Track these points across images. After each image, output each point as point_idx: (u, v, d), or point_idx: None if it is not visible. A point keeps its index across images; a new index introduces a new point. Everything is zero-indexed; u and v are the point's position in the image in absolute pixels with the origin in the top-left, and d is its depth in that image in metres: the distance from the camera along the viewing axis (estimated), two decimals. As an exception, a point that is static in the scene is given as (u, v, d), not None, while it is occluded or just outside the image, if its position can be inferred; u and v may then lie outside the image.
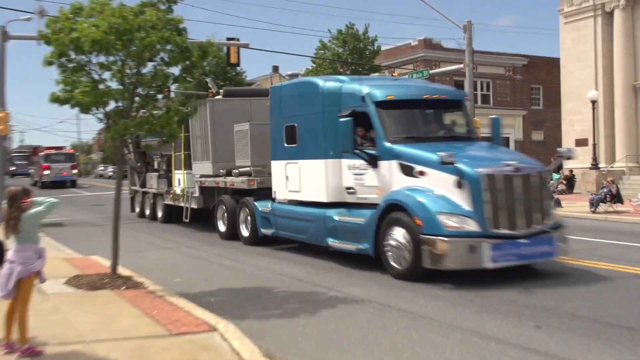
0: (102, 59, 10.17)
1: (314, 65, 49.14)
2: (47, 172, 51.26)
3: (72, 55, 10.04)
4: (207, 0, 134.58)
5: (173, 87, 40.45)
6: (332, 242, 12.85)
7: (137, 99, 10.64)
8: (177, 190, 20.81)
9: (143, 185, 23.97)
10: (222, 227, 17.36)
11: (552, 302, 9.29)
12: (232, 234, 16.69)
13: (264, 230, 15.32)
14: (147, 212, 23.60)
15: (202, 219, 20.20)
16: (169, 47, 10.17)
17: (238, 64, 30.72)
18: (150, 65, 10.53)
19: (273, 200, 15.00)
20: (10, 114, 22.83)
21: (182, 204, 20.19)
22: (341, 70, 47.56)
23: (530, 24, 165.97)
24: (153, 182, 22.91)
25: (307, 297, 10.13)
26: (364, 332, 8.06)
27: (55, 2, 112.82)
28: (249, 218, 15.94)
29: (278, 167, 14.65)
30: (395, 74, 40.14)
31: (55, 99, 10.16)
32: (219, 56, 54.81)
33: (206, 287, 11.10)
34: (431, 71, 38.31)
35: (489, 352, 7.14)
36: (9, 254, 6.87)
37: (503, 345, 7.38)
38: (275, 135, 14.64)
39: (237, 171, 16.64)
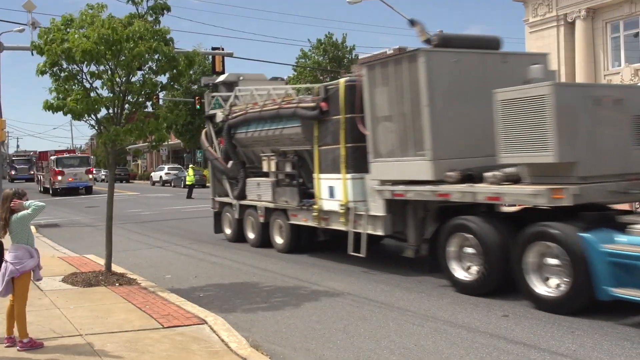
0: (93, 68, 10.26)
1: (295, 73, 49.28)
2: (60, 177, 42.56)
3: (64, 64, 10.07)
4: (192, 12, 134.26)
5: (161, 95, 40.42)
6: None
7: (127, 106, 10.71)
8: (328, 205, 12.41)
9: (242, 195, 15.57)
10: (463, 274, 9.63)
11: (519, 293, 9.37)
12: (495, 286, 9.26)
13: (617, 292, 7.68)
14: (251, 235, 15.53)
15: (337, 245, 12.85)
16: (156, 56, 10.18)
17: (223, 72, 30.59)
18: (139, 74, 10.62)
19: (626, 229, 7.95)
20: (5, 121, 22.64)
21: (341, 228, 12.20)
22: (321, 77, 47.73)
23: (497, 34, 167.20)
24: (264, 192, 14.54)
25: (291, 291, 10.18)
26: (344, 322, 8.14)
27: (47, 14, 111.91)
28: (551, 262, 8.42)
29: None
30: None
31: (49, 107, 10.19)
32: (205, 65, 54.78)
33: (195, 282, 11.12)
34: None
35: (461, 339, 7.25)
36: (5, 254, 6.88)
37: (473, 333, 7.49)
38: None
39: (498, 174, 9.25)
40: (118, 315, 8.20)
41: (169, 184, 54.29)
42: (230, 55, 29.33)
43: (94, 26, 9.78)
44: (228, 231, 16.66)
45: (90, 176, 44.56)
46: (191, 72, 48.56)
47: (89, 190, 43.98)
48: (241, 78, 16.46)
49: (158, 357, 6.49)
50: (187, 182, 37.60)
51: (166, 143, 53.84)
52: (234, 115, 15.28)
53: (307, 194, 13.24)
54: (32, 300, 7.43)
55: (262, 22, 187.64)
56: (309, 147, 13.05)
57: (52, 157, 44.67)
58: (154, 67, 10.42)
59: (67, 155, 48.18)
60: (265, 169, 14.59)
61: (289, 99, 13.59)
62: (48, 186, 44.55)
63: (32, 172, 73.54)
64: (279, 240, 14.39)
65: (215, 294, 10.17)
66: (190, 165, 41.93)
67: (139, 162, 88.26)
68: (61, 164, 43.17)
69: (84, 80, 10.32)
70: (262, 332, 7.73)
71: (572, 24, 34.18)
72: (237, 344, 6.89)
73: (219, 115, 16.11)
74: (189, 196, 35.79)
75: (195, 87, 58.20)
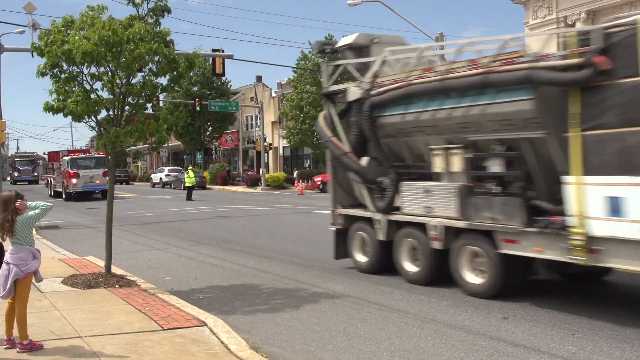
0: (93, 69, 10.28)
1: (296, 75, 49.35)
2: (75, 180, 37.46)
3: (65, 66, 10.10)
4: (192, 14, 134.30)
5: (161, 97, 40.50)
6: None
7: (127, 107, 10.72)
8: (608, 228, 7.60)
9: (391, 207, 10.93)
10: None
11: (518, 295, 9.39)
12: None
13: None
14: (411, 266, 10.69)
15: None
16: (157, 58, 10.20)
17: (223, 74, 30.76)
18: (139, 76, 10.63)
19: None
20: (5, 122, 22.63)
21: None
22: (321, 80, 47.75)
23: (497, 35, 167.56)
24: (441, 203, 9.91)
25: (291, 293, 10.17)
26: (344, 324, 8.13)
27: (47, 16, 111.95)
28: None
29: None
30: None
31: (49, 108, 10.20)
32: (205, 67, 54.86)
33: (195, 284, 11.10)
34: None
35: (460, 342, 7.24)
36: (6, 256, 6.86)
37: (473, 335, 7.48)
38: None
39: None
40: (118, 317, 8.18)
41: (169, 186, 54.31)
42: (230, 57, 29.36)
43: (95, 28, 9.80)
44: (362, 258, 11.76)
45: (107, 178, 40.86)
46: (191, 73, 48.64)
47: (105, 195, 40.89)
48: (375, 40, 12.10)
49: (158, 359, 6.48)
50: (187, 184, 37.60)
51: (166, 145, 53.98)
52: (383, 89, 10.83)
53: (532, 208, 8.75)
54: (31, 302, 7.42)
55: (262, 24, 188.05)
56: (541, 134, 8.56)
57: (66, 158, 39.82)
58: (154, 69, 10.46)
59: (83, 155, 42.28)
60: (437, 168, 10.13)
61: (510, 56, 8.90)
62: (60, 190, 39.72)
63: (36, 174, 70.74)
64: (472, 278, 9.55)
65: (215, 295, 10.15)
66: (190, 167, 41.96)
67: (139, 163, 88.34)
68: (75, 166, 38.15)
69: (84, 82, 10.35)
70: (261, 334, 7.72)
71: (572, 26, 34.20)
72: (236, 345, 6.88)
73: (353, 92, 11.41)
74: (189, 198, 35.80)
75: (196, 88, 58.31)
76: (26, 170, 71.64)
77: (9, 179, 70.86)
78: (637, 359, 6.56)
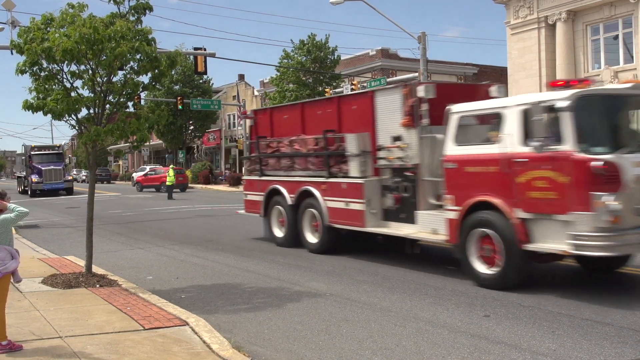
0: (73, 67, 10.25)
1: (278, 73, 49.35)
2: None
3: (44, 64, 10.05)
4: (174, 12, 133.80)
5: (143, 95, 40.26)
6: None
7: (108, 106, 10.65)
8: None
9: None
10: None
11: (500, 293, 9.48)
12: None
13: None
14: None
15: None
16: (138, 56, 10.18)
17: (205, 73, 30.64)
18: (120, 74, 10.61)
19: None
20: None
21: None
22: (304, 78, 47.82)
23: (478, 35, 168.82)
24: None
25: (273, 292, 10.16)
26: (326, 323, 8.14)
27: (27, 13, 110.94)
28: None
29: None
30: (354, 82, 40.41)
31: (29, 106, 10.13)
32: (187, 65, 54.65)
33: (177, 284, 11.06)
34: (388, 79, 38.84)
35: (442, 340, 7.28)
36: None
37: (455, 333, 7.53)
38: None
39: None
40: (98, 317, 8.13)
41: (150, 185, 53.89)
42: (212, 55, 29.24)
43: (75, 25, 9.74)
44: None
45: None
46: (173, 72, 48.44)
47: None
48: None
49: (139, 359, 6.45)
50: (167, 183, 37.44)
51: (148, 144, 53.71)
52: None
53: None
54: (11, 302, 7.36)
55: (245, 22, 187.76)
56: None
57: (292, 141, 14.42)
58: (136, 67, 10.42)
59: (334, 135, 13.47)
60: None
61: None
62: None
63: (69, 178, 44.40)
64: None
65: (197, 295, 10.12)
66: (171, 166, 41.79)
67: (120, 162, 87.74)
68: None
69: (65, 80, 10.31)
70: (244, 333, 7.72)
71: (553, 26, 34.51)
72: (218, 345, 6.87)
73: None
74: (170, 197, 35.67)
75: (177, 87, 58.05)
76: (53, 172, 42.57)
77: (25, 187, 46.12)
78: (616, 355, 6.63)
